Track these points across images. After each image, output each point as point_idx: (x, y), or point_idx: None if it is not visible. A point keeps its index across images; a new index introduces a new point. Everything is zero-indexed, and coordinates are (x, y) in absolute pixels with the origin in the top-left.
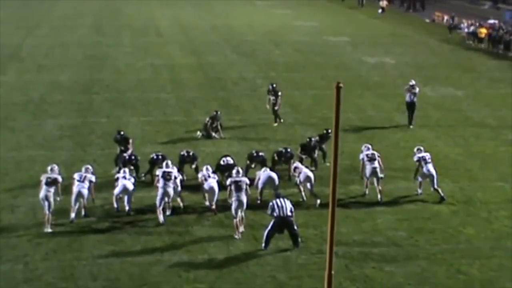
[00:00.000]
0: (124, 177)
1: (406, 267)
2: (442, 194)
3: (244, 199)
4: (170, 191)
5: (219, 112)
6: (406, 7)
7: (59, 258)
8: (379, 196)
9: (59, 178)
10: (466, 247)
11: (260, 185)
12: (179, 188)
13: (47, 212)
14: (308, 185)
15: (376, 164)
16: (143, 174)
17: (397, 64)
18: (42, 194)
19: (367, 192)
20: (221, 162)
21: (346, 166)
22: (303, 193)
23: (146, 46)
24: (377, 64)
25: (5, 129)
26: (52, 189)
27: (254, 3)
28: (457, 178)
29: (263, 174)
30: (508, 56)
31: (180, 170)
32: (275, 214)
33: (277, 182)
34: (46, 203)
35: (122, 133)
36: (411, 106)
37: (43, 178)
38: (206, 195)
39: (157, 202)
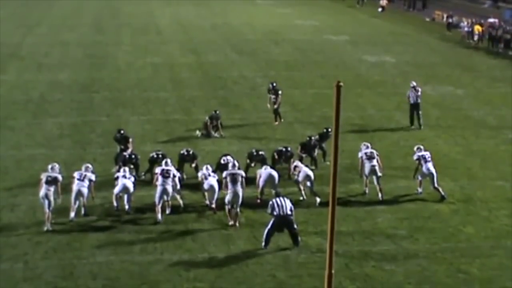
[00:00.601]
0: (124, 176)
1: (406, 266)
2: (442, 193)
3: (239, 191)
4: (169, 188)
5: (218, 112)
6: (407, 6)
7: (59, 257)
8: (379, 194)
9: (60, 177)
10: (466, 246)
11: (261, 183)
12: (178, 187)
13: (47, 210)
14: (308, 183)
15: (375, 162)
16: (143, 173)
17: (397, 63)
18: (42, 192)
19: (367, 190)
20: (221, 161)
21: (346, 165)
22: (303, 192)
23: (146, 45)
24: (377, 63)
25: (5, 128)
26: (52, 188)
27: (254, 2)
28: (457, 177)
29: (264, 172)
30: (508, 55)
31: (180, 169)
32: (275, 213)
33: (277, 180)
34: (46, 202)
35: (122, 132)
36: (416, 107)
37: (44, 177)
38: (206, 194)
39: (156, 200)
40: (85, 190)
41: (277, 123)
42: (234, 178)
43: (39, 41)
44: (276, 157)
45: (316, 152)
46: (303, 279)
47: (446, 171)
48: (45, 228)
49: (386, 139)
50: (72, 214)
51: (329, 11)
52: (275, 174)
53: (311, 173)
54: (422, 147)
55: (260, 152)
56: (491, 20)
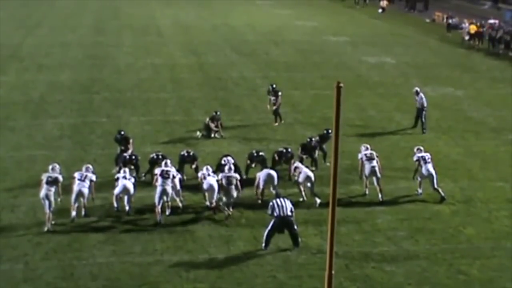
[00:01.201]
0: (124, 177)
1: (406, 267)
2: (442, 194)
3: (233, 192)
4: (169, 189)
5: (218, 112)
6: (409, 7)
7: (59, 257)
8: (379, 195)
9: (60, 178)
10: (466, 247)
11: (261, 184)
12: (178, 187)
13: (47, 211)
14: (309, 184)
15: (374, 163)
16: (143, 174)
17: (397, 64)
18: (42, 193)
19: (367, 192)
20: (222, 162)
21: (347, 166)
22: (303, 193)
23: (146, 45)
24: (377, 64)
25: (5, 128)
26: (52, 188)
27: (254, 3)
28: (457, 178)
29: (263, 172)
30: (508, 56)
31: (180, 170)
32: (275, 214)
33: (276, 180)
34: (47, 202)
35: (122, 132)
36: (418, 112)
37: (44, 177)
38: (206, 194)
39: (156, 201)
40: (85, 191)
41: (277, 124)
42: (229, 181)
43: (40, 42)
44: (277, 158)
45: (317, 153)
46: (303, 280)
47: (446, 172)
48: (45, 229)
49: (386, 140)
50: (74, 214)
51: (329, 12)
52: (274, 174)
53: (311, 174)
54: (422, 148)
55: (261, 153)
56: (491, 21)
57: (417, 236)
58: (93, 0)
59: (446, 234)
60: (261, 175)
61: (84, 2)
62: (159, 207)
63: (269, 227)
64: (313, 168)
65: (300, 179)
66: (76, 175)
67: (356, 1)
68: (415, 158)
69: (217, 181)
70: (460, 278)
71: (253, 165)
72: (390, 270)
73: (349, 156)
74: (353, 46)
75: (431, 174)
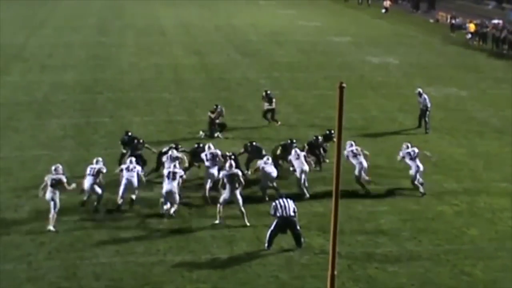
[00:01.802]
0: (128, 168)
1: (409, 268)
2: (422, 191)
3: (237, 191)
4: (170, 187)
5: (219, 106)
6: (416, 7)
7: (62, 257)
8: (368, 186)
9: (63, 178)
10: (470, 247)
11: (263, 182)
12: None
13: (52, 211)
14: (303, 176)
15: (361, 158)
16: (146, 173)
17: (400, 64)
18: (48, 195)
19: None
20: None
21: (349, 166)
22: (305, 190)
23: (149, 46)
24: (380, 64)
25: (9, 129)
26: (57, 190)
27: (257, 3)
28: (461, 178)
29: (262, 167)
30: None
31: (191, 166)
32: (278, 214)
33: (274, 175)
34: (52, 203)
35: (130, 134)
36: (422, 113)
37: (48, 179)
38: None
39: (163, 192)
40: (97, 188)
41: (279, 123)
42: (231, 178)
43: (43, 42)
44: (280, 150)
45: (322, 152)
46: (306, 280)
47: (450, 173)
48: (48, 228)
49: (390, 140)
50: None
51: (332, 12)
52: (272, 170)
53: (306, 168)
54: (409, 144)
55: (255, 143)
56: (495, 21)
57: (420, 237)
58: (96, 0)
59: (450, 234)
60: (261, 169)
61: (87, 3)
62: (166, 205)
63: (271, 228)
64: (317, 168)
65: (297, 174)
66: (88, 170)
67: (359, 1)
68: (400, 155)
69: (218, 169)
70: (463, 279)
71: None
72: (393, 271)
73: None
74: (356, 46)
75: (419, 169)
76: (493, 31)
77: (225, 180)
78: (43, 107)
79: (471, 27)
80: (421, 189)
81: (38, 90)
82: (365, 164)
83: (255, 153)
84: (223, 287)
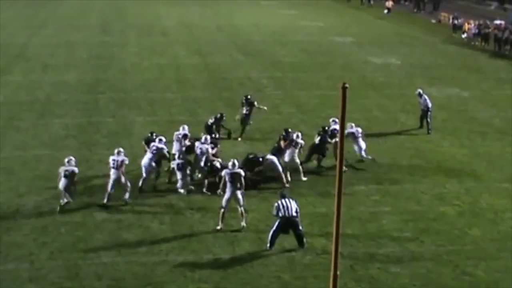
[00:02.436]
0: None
1: (411, 268)
2: (369, 157)
3: (238, 192)
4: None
5: (224, 116)
6: (417, 9)
7: (64, 257)
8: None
9: (76, 170)
10: (472, 248)
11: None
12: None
13: (65, 200)
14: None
15: (359, 141)
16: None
17: (402, 65)
18: (60, 185)
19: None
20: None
21: (351, 167)
22: (302, 175)
23: (151, 46)
24: (382, 65)
25: (11, 128)
26: (70, 181)
27: (260, 3)
28: (463, 179)
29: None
30: None
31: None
32: (280, 215)
33: (277, 163)
34: (67, 194)
35: (154, 134)
36: (423, 113)
37: (62, 171)
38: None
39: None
40: (121, 177)
41: (240, 139)
42: (233, 177)
43: (45, 42)
44: (285, 141)
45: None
46: (308, 280)
47: (451, 173)
48: (63, 201)
49: (392, 141)
50: (105, 200)
51: (334, 12)
52: (275, 160)
53: (298, 161)
54: (353, 124)
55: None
56: (497, 22)
57: (422, 237)
58: (98, 0)
59: (452, 235)
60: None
61: (89, 2)
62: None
63: (274, 228)
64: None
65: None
66: (110, 162)
67: (361, 2)
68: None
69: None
70: (465, 280)
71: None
72: (395, 271)
73: (354, 156)
74: (359, 46)
75: (361, 148)
76: (495, 31)
77: (226, 178)
78: (45, 106)
79: (466, 26)
80: (369, 157)
81: (40, 89)
82: (363, 145)
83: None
84: (225, 287)
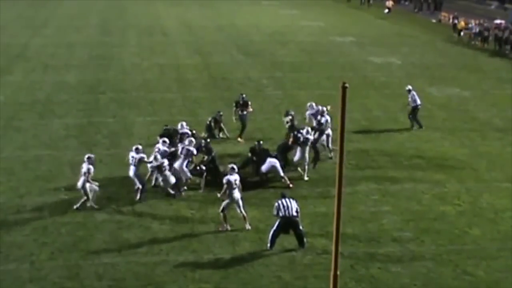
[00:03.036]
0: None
1: (411, 268)
2: (331, 156)
3: (238, 196)
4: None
5: (221, 113)
6: (418, 9)
7: (65, 257)
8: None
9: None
10: (472, 248)
11: (264, 170)
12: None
13: (84, 198)
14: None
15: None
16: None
17: (403, 65)
18: (79, 184)
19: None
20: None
21: (352, 166)
22: (305, 174)
23: (152, 46)
24: (383, 64)
25: (12, 128)
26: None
27: (260, 3)
28: (463, 178)
29: (267, 162)
30: None
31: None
32: (280, 214)
33: (279, 167)
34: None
35: (168, 127)
36: (411, 110)
37: (82, 169)
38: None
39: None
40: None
41: (240, 139)
42: (235, 183)
43: (46, 42)
44: (292, 139)
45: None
46: (308, 280)
47: (452, 173)
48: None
49: (392, 140)
50: (138, 196)
51: (334, 12)
52: (276, 163)
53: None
54: (314, 104)
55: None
56: (497, 21)
57: (423, 237)
58: (99, 0)
59: (452, 235)
60: (264, 165)
61: (90, 2)
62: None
63: (274, 228)
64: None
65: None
66: (130, 159)
67: (362, 1)
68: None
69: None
70: (466, 279)
71: (254, 158)
72: (396, 271)
73: (354, 156)
74: (359, 46)
75: (329, 135)
76: (496, 31)
77: (229, 185)
78: (45, 107)
79: (461, 25)
80: (330, 155)
81: (40, 90)
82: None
83: (262, 155)
84: (226, 287)
